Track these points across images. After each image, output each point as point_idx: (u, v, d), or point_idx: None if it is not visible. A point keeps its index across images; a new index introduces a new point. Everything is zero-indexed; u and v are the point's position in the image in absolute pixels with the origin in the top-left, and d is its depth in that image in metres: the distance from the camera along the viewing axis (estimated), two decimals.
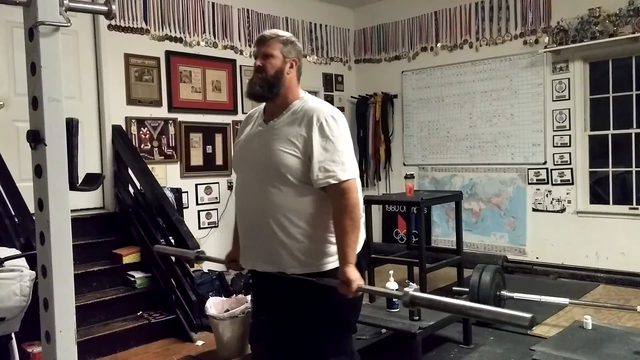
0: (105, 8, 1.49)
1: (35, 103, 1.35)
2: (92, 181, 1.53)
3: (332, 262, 2.11)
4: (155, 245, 3.32)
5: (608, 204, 5.61)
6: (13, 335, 2.93)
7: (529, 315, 1.59)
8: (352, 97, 7.37)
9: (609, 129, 5.55)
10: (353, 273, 2.00)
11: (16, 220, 3.78)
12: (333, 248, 2.11)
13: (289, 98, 2.19)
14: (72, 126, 1.40)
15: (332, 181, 2.04)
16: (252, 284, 2.43)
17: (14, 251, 3.02)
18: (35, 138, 1.35)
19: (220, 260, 2.53)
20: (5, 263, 2.76)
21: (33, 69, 1.34)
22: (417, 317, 3.47)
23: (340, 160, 2.06)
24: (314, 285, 2.08)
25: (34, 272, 2.82)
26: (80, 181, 1.46)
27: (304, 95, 2.23)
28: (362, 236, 2.20)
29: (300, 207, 2.08)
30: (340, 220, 2.05)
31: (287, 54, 2.19)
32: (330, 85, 7.18)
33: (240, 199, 2.27)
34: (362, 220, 2.19)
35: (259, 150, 2.16)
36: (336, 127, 2.09)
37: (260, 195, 2.11)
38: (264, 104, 2.28)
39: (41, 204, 1.37)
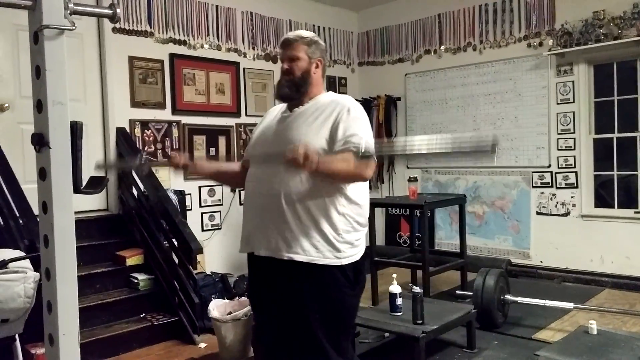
0: (109, 11, 1.50)
1: (39, 106, 1.35)
2: (96, 184, 1.53)
3: (332, 260, 2.10)
4: (96, 161, 3.16)
5: (613, 207, 5.59)
6: (17, 336, 2.94)
7: (489, 137, 1.62)
8: (355, 99, 7.36)
9: (614, 132, 5.54)
10: (314, 154, 1.89)
11: (20, 222, 3.79)
12: (337, 246, 2.10)
13: (314, 92, 2.29)
14: (76, 129, 1.40)
15: (352, 148, 2.06)
16: (249, 272, 2.39)
17: (18, 253, 3.04)
18: (40, 141, 1.35)
19: (164, 163, 2.54)
20: (10, 265, 2.77)
21: (38, 72, 1.34)
22: (420, 321, 3.46)
23: (363, 137, 2.10)
24: (310, 282, 2.09)
25: (37, 274, 2.83)
26: (84, 184, 1.46)
27: (326, 92, 2.34)
28: (362, 242, 2.21)
29: (315, 195, 2.09)
30: (348, 161, 2.03)
31: (311, 55, 2.29)
32: (334, 87, 7.18)
33: (252, 183, 2.26)
34: (365, 220, 2.20)
35: (281, 134, 2.21)
36: (361, 115, 2.18)
37: (276, 179, 2.12)
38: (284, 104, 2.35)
39: (45, 206, 1.37)
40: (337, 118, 2.13)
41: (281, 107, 2.37)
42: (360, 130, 2.11)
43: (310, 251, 2.09)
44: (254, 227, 2.22)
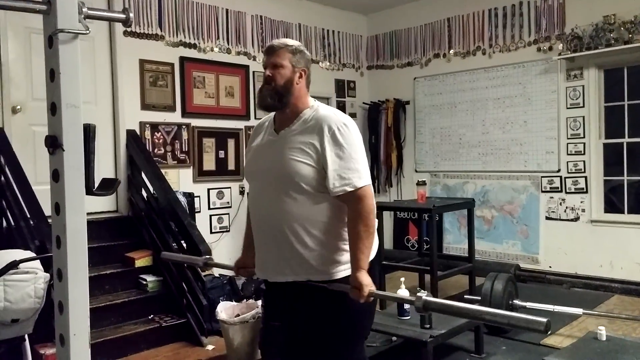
0: (122, 16, 1.51)
1: (53, 109, 1.37)
2: (108, 186, 1.54)
3: (346, 270, 2.12)
4: (162, 252, 3.32)
5: (623, 213, 5.55)
6: (26, 336, 2.96)
7: (544, 320, 1.58)
8: (364, 103, 7.37)
9: (624, 137, 5.51)
10: (365, 278, 2.01)
11: (31, 222, 3.82)
12: (347, 256, 2.11)
13: (299, 107, 2.19)
14: (89, 132, 1.41)
15: (349, 189, 2.04)
16: (265, 292, 2.43)
17: (29, 253, 3.05)
18: (54, 143, 1.36)
19: (229, 267, 2.53)
20: (20, 265, 2.79)
21: (52, 75, 1.36)
22: (428, 325, 3.46)
23: (355, 167, 2.06)
24: (327, 292, 2.08)
25: (48, 275, 2.85)
26: (96, 186, 1.47)
27: (314, 104, 2.22)
28: (375, 243, 2.20)
29: (315, 216, 2.09)
30: (355, 226, 2.05)
31: (296, 64, 2.18)
32: (343, 91, 7.19)
33: (254, 209, 2.27)
34: (376, 226, 2.20)
35: (272, 159, 2.16)
36: (349, 134, 2.09)
37: (275, 204, 2.11)
38: (273, 112, 2.28)
39: (58, 208, 1.38)
40: (321, 141, 2.07)
41: (268, 122, 2.31)
42: (349, 159, 2.06)
43: (325, 270, 2.10)
44: (263, 254, 2.23)
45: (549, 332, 3.96)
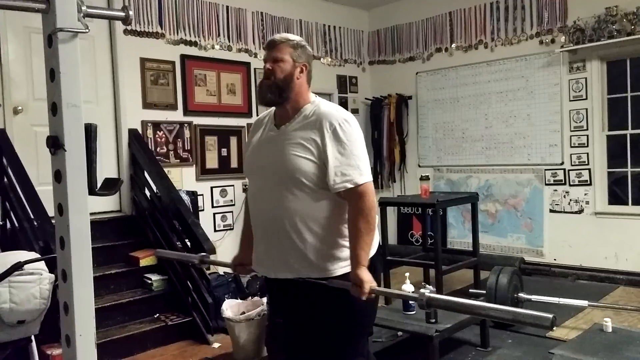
0: (122, 14, 1.50)
1: (54, 109, 1.36)
2: (110, 186, 1.54)
3: (345, 267, 2.11)
4: (156, 250, 3.29)
5: (627, 204, 5.54)
6: (33, 337, 2.97)
7: (550, 316, 1.57)
8: (366, 98, 7.36)
9: (627, 129, 5.49)
10: (365, 275, 2.00)
11: (35, 223, 3.82)
12: (347, 252, 2.10)
13: (300, 102, 2.18)
14: (90, 131, 1.40)
15: (350, 185, 2.04)
16: (267, 289, 2.43)
17: (33, 254, 3.05)
18: (55, 144, 1.35)
19: (227, 264, 2.51)
20: (25, 266, 2.79)
21: (52, 75, 1.35)
22: (433, 320, 3.45)
23: (356, 164, 2.06)
24: (328, 289, 2.08)
25: (53, 275, 2.85)
26: (99, 186, 1.46)
27: (314, 99, 2.21)
28: (376, 239, 2.20)
29: (315, 212, 2.08)
30: (355, 223, 2.05)
31: (297, 58, 2.17)
32: (345, 87, 7.17)
33: (254, 205, 2.26)
34: (377, 223, 2.19)
35: (273, 155, 2.15)
36: (350, 130, 2.08)
37: (276, 200, 2.10)
38: (273, 108, 2.26)
39: (61, 208, 1.38)
40: (322, 137, 2.06)
41: (267, 118, 2.30)
42: (351, 155, 2.05)
43: (325, 267, 2.09)
44: (263, 250, 2.22)
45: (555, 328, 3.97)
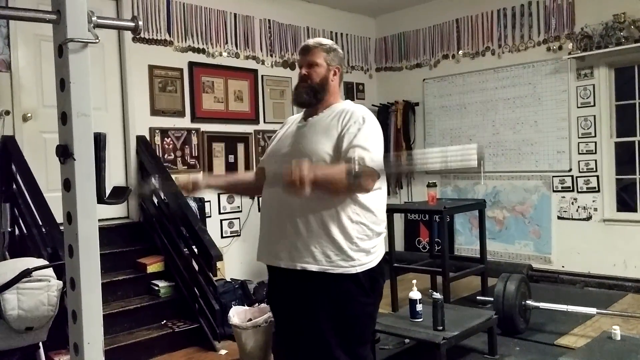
0: (132, 24, 1.52)
1: (64, 118, 1.37)
2: (119, 194, 1.55)
3: (357, 267, 2.10)
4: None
5: (635, 211, 5.50)
6: (41, 344, 2.98)
7: (474, 145, 1.64)
8: (373, 105, 7.35)
9: (636, 136, 5.46)
10: (307, 167, 1.83)
11: (43, 230, 3.84)
12: (358, 253, 2.10)
13: (330, 101, 2.29)
14: (99, 140, 1.42)
15: (353, 162, 1.98)
16: (269, 280, 2.40)
17: (42, 261, 3.07)
18: (65, 152, 1.37)
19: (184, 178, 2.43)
20: (33, 273, 2.80)
21: (62, 84, 1.37)
22: (441, 327, 3.44)
23: (369, 150, 2.06)
24: (327, 291, 2.09)
25: (61, 282, 2.86)
26: (107, 194, 1.48)
27: (343, 101, 2.33)
28: (381, 248, 2.20)
29: (326, 204, 2.08)
30: (341, 180, 1.95)
31: (330, 62, 2.30)
32: (352, 93, 7.18)
33: (267, 193, 2.27)
34: (382, 227, 2.19)
35: (295, 143, 2.21)
36: (371, 129, 2.14)
37: None
38: (302, 112, 2.35)
39: (70, 217, 1.39)
40: (344, 127, 2.11)
41: (298, 116, 2.38)
42: (366, 142, 2.07)
43: (322, 260, 2.09)
44: (267, 238, 2.24)
45: (561, 339, 3.92)
